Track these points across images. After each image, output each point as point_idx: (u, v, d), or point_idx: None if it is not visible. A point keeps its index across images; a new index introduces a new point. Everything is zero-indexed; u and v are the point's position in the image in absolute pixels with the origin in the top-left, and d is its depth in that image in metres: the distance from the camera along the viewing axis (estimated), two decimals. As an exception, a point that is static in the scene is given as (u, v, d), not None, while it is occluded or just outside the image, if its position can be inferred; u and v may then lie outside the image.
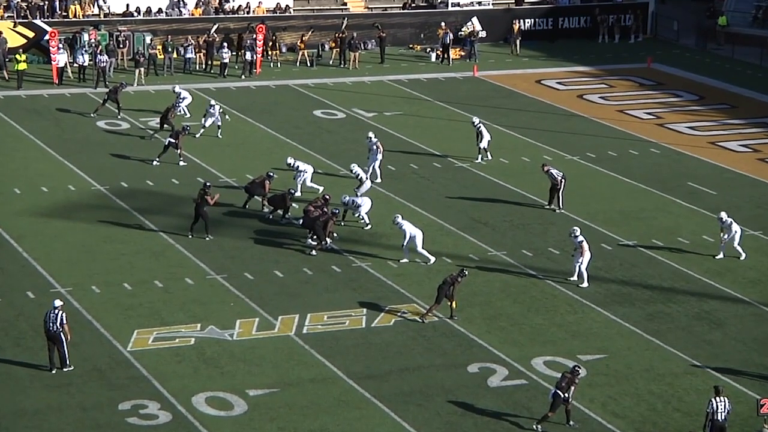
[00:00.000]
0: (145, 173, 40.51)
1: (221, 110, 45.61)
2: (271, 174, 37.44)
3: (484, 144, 43.26)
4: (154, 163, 41.25)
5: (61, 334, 27.22)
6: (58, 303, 27.54)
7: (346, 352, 28.84)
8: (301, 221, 35.36)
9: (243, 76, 53.91)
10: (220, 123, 45.06)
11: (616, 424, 26.25)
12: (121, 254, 34.09)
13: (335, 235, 35.23)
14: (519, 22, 61.05)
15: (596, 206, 39.25)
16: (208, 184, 35.71)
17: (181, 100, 47.08)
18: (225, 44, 54.44)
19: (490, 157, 43.35)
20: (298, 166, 38.85)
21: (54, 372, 27.27)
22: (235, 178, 40.23)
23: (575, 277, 33.32)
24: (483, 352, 29.12)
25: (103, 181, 39.55)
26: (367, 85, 53.71)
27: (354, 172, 38.74)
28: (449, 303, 30.75)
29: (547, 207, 38.79)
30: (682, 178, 42.35)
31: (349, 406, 26.54)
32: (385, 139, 43.06)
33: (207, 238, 35.02)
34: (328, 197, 36.18)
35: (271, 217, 36.83)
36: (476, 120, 43.75)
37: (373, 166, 40.73)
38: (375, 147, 40.67)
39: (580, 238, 33.23)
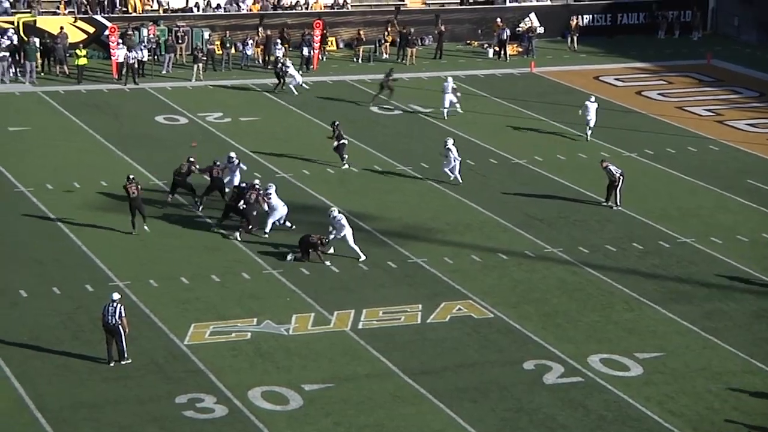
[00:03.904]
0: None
1: (454, 87, 47.70)
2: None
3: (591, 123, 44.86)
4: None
5: (120, 327, 27.34)
6: (116, 296, 27.67)
7: (401, 347, 28.81)
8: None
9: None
10: (455, 100, 47.43)
11: (673, 423, 26.03)
12: (178, 248, 34.28)
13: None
14: (577, 18, 60.77)
15: (654, 203, 38.96)
16: (131, 176, 35.35)
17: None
18: (278, 40, 54.60)
19: (589, 134, 44.94)
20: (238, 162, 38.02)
21: (112, 365, 27.42)
22: (291, 173, 40.31)
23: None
24: (538, 349, 29.00)
25: (161, 176, 39.64)
26: (425, 80, 53.67)
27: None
28: None
29: (605, 204, 38.55)
30: (742, 176, 41.92)
31: (403, 401, 26.51)
32: (441, 135, 42.99)
33: (133, 233, 34.86)
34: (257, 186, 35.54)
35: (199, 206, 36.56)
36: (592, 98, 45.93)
37: (451, 170, 39.82)
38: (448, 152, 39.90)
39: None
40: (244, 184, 35.86)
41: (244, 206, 34.69)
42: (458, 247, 34.94)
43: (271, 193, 35.19)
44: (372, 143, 44.29)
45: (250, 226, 34.71)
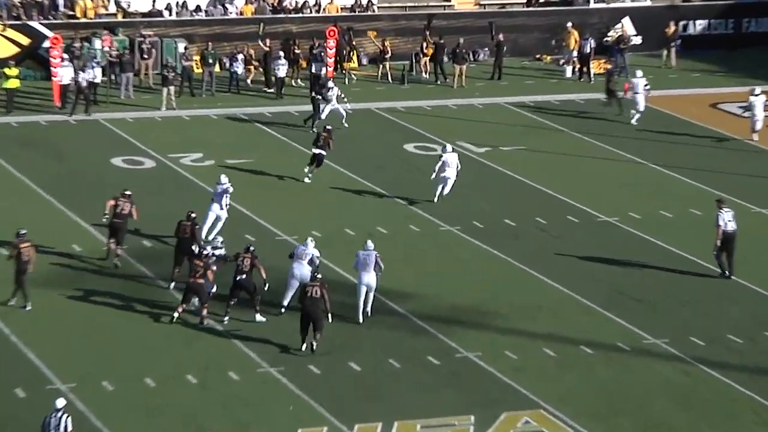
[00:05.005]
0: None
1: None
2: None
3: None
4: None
5: (65, 445, 27.30)
6: (60, 404, 27.47)
7: (446, 474, 28.81)
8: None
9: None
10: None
11: None
12: (142, 338, 34.34)
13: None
14: (676, 24, 60.76)
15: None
16: (21, 232, 35.87)
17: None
18: (281, 53, 55.13)
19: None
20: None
21: (54, 495, 27.35)
22: (296, 235, 40.43)
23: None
24: (636, 477, 28.95)
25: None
26: (478, 109, 53.82)
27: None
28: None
29: (721, 274, 38.72)
30: None
31: None
32: (502, 183, 43.06)
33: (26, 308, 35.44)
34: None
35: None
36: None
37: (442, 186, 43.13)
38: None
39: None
40: (220, 251, 36.10)
41: (241, 279, 34.92)
42: (524, 336, 34.92)
43: (307, 251, 35.56)
44: (406, 194, 44.47)
45: (258, 298, 34.92)
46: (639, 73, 52.71)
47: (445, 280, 38.19)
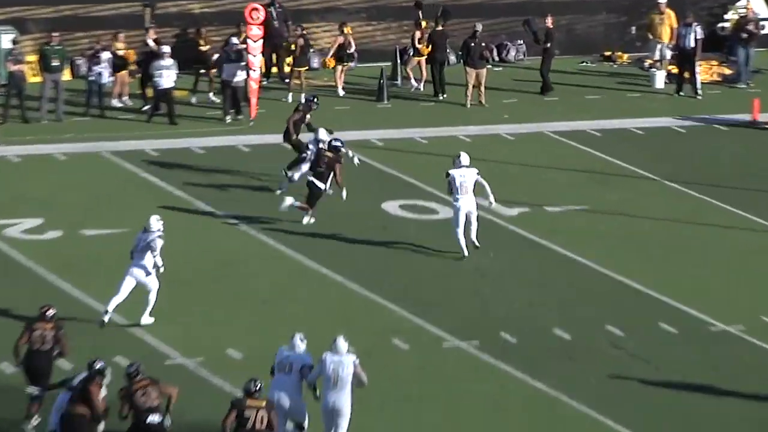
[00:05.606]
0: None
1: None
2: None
3: None
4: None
5: None
6: None
7: None
8: None
9: (228, 120, 55.25)
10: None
11: None
12: None
13: None
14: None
15: None
16: None
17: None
18: (165, 50, 56.10)
19: None
20: None
21: None
22: (200, 356, 39.90)
23: None
24: None
25: None
26: (508, 141, 53.48)
27: None
28: None
29: None
30: None
31: None
32: (548, 266, 44.75)
33: None
34: None
35: None
36: None
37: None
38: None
39: None
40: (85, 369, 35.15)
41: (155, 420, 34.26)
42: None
43: (299, 357, 35.42)
44: (388, 285, 43.61)
45: None
46: None
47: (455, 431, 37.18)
